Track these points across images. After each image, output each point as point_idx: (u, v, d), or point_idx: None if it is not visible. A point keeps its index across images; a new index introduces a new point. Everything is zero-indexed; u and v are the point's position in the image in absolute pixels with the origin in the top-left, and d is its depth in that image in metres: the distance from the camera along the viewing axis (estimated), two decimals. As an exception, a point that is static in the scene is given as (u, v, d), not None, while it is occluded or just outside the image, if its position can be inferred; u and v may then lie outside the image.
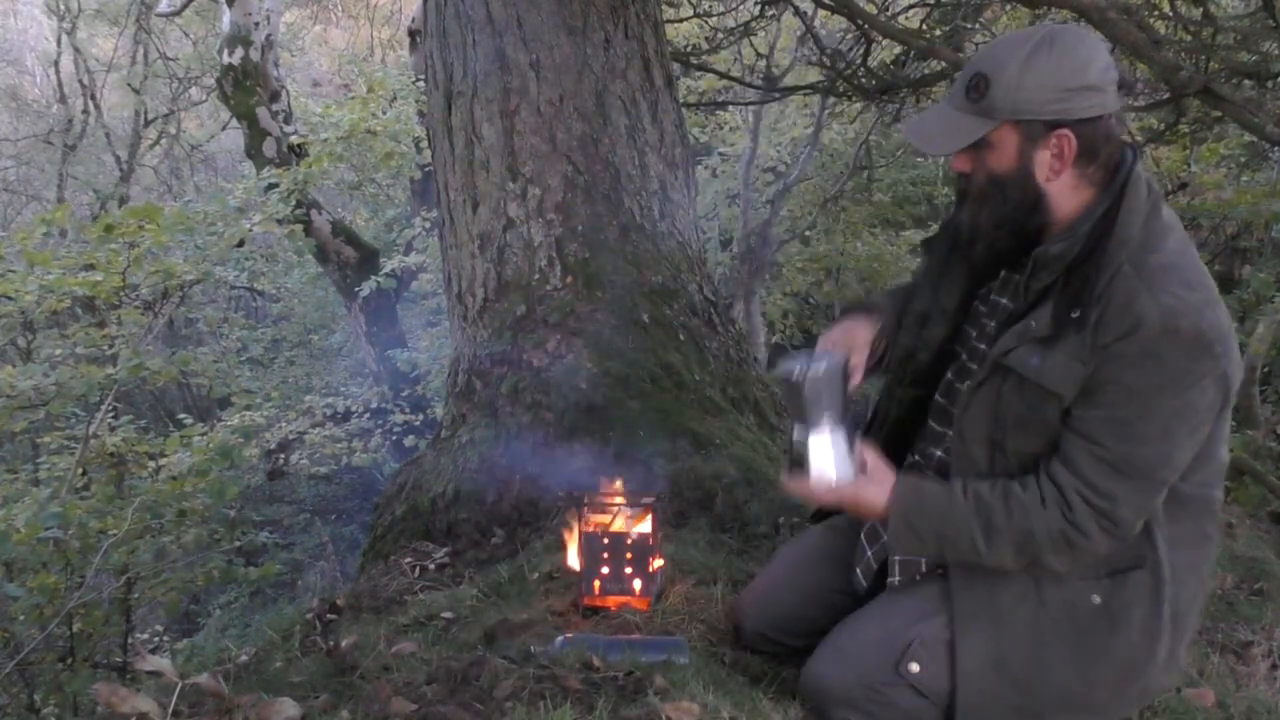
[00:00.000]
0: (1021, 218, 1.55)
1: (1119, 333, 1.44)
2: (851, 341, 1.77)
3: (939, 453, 1.74)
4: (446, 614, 2.17)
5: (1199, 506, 1.59)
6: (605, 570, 2.06)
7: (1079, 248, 1.51)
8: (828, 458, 1.66)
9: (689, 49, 7.64)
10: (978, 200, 1.59)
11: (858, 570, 1.83)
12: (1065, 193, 1.54)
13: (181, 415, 7.65)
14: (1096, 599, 1.57)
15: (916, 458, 1.81)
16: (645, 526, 2.13)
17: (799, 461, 1.68)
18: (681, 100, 4.15)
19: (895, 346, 1.80)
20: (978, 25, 6.48)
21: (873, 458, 1.66)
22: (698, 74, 8.63)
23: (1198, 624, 1.67)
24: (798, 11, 6.32)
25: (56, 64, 13.70)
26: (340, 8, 17.59)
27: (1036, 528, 1.51)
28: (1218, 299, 1.49)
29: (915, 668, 1.59)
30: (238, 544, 5.01)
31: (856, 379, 1.74)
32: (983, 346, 1.66)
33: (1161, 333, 1.42)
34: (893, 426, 1.84)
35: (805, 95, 8.13)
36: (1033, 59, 1.47)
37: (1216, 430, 1.53)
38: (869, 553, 1.82)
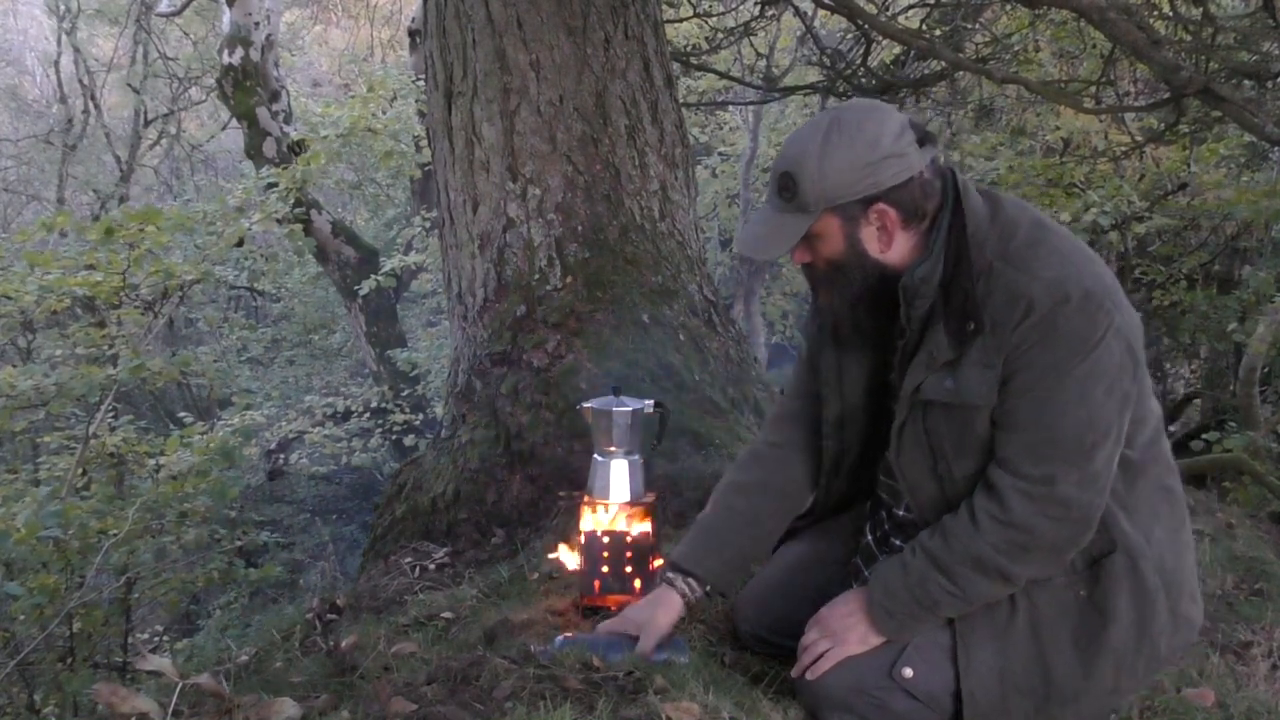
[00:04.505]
0: (872, 291, 1.60)
1: (1015, 320, 1.47)
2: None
3: (901, 511, 1.75)
4: (446, 614, 2.17)
5: (1150, 465, 1.61)
6: (605, 570, 2.05)
7: (942, 264, 1.53)
8: (624, 478, 2.09)
9: (689, 49, 7.65)
10: (827, 286, 1.65)
11: (854, 585, 1.82)
12: (904, 251, 1.58)
13: (182, 415, 7.65)
14: (1083, 593, 1.58)
15: (877, 534, 1.82)
16: (645, 526, 2.13)
17: (599, 477, 2.08)
18: (681, 100, 4.15)
19: (821, 452, 1.83)
20: (977, 25, 6.48)
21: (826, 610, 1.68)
22: (698, 74, 8.64)
23: (1194, 571, 1.66)
24: (798, 11, 6.33)
25: (56, 64, 13.71)
26: (340, 8, 17.58)
27: (979, 547, 1.52)
28: (1092, 258, 1.53)
29: (909, 672, 1.59)
30: (238, 544, 5.01)
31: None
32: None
33: (1053, 305, 1.45)
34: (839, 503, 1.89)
35: (805, 95, 8.15)
36: (827, 147, 1.51)
37: (1139, 390, 1.55)
38: (865, 572, 1.82)
